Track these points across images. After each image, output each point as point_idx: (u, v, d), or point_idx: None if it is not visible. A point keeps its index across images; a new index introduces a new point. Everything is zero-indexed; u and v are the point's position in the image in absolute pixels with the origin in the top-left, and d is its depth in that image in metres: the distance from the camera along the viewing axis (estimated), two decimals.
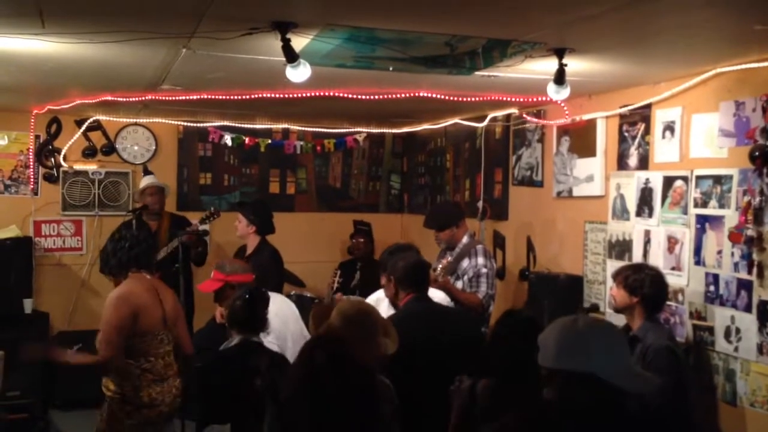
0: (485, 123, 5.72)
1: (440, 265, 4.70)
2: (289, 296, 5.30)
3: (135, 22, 2.95)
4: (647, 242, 4.17)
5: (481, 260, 4.62)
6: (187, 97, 4.87)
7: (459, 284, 4.62)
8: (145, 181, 6.08)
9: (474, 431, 2.64)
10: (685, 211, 3.90)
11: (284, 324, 3.97)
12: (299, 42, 3.07)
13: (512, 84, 4.16)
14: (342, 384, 2.16)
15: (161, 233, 5.86)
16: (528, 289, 4.93)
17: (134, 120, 6.51)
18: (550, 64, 3.42)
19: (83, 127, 6.34)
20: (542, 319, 3.35)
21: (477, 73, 3.80)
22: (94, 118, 6.34)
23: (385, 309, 4.16)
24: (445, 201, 6.38)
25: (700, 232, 3.80)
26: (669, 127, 4.04)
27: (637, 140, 4.28)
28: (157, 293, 3.65)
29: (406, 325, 3.30)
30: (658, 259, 4.03)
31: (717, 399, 3.68)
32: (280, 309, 3.98)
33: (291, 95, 4.62)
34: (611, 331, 2.15)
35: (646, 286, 3.42)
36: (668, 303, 3.74)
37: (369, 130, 6.87)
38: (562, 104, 4.74)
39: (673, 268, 3.93)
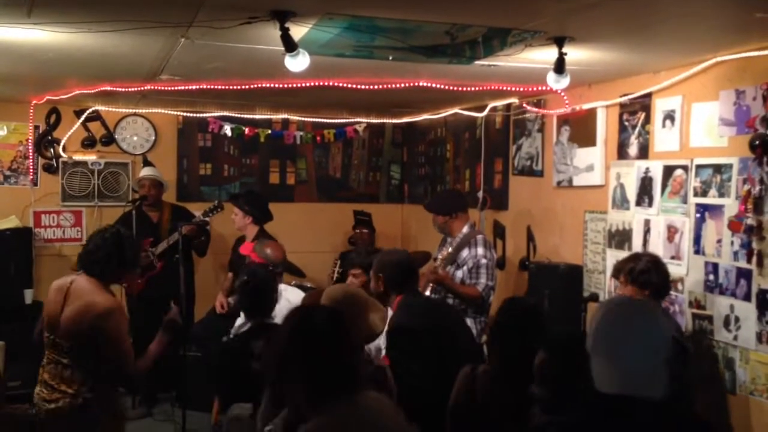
0: (485, 113, 5.71)
1: (440, 256, 4.71)
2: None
3: (133, 12, 2.94)
4: (647, 231, 4.17)
5: (480, 250, 4.62)
6: (187, 87, 4.86)
7: (459, 274, 4.62)
8: (142, 172, 6.08)
9: (473, 414, 2.65)
10: (684, 200, 3.90)
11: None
12: (298, 31, 3.06)
13: (512, 73, 4.15)
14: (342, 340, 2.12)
15: (162, 224, 5.86)
16: (528, 278, 4.93)
17: (133, 110, 6.50)
18: (549, 53, 3.41)
19: (82, 118, 6.32)
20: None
21: (477, 62, 3.78)
22: (93, 108, 6.32)
23: None
24: (453, 190, 6.28)
25: (699, 221, 3.80)
26: (669, 116, 4.03)
27: (637, 129, 4.28)
28: (66, 294, 3.29)
29: (413, 318, 3.39)
30: (657, 248, 4.03)
31: (721, 389, 3.68)
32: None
33: (290, 85, 4.62)
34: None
35: (653, 276, 3.43)
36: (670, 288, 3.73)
37: (369, 120, 6.86)
38: (562, 93, 4.72)
39: (672, 257, 3.93)
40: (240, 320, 3.59)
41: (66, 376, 3.28)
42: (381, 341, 3.44)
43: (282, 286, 3.77)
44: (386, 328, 3.32)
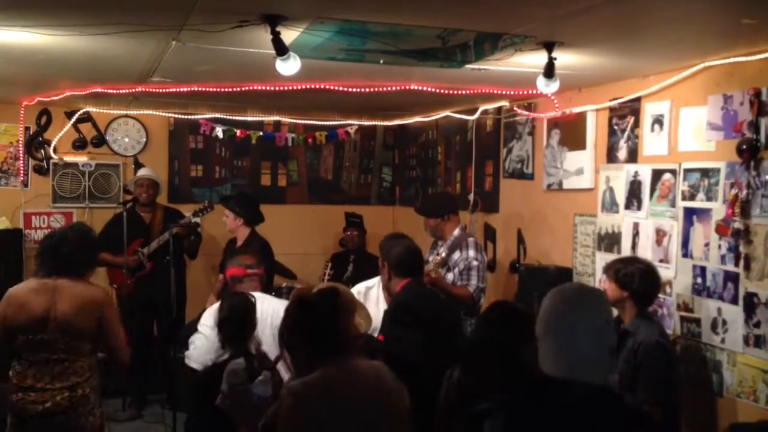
0: (476, 116, 5.74)
1: (431, 258, 4.73)
2: (280, 288, 5.31)
3: (125, 15, 2.94)
4: (636, 235, 4.20)
5: (472, 253, 4.64)
6: (178, 89, 4.86)
7: (450, 276, 4.64)
8: (138, 173, 6.08)
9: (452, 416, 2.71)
10: (673, 204, 3.93)
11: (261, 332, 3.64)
12: (289, 35, 3.07)
13: (503, 77, 4.17)
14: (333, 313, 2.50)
15: (154, 225, 5.86)
16: (518, 281, 4.95)
17: (125, 112, 6.50)
18: (539, 58, 3.43)
19: (73, 119, 6.32)
20: (532, 311, 3.44)
21: (467, 66, 3.80)
22: (85, 109, 6.32)
23: (374, 297, 4.22)
24: (444, 192, 6.34)
25: (687, 225, 3.83)
26: (658, 120, 4.06)
27: (626, 133, 4.30)
28: (54, 293, 3.36)
29: (412, 304, 3.50)
30: (646, 251, 4.06)
31: (708, 391, 3.71)
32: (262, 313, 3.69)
33: (282, 87, 4.62)
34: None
35: (636, 281, 3.42)
36: (657, 296, 3.75)
37: (360, 123, 6.88)
38: (553, 97, 4.75)
39: (661, 261, 3.95)
40: (218, 349, 3.51)
41: (61, 372, 3.36)
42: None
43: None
44: (386, 308, 3.61)
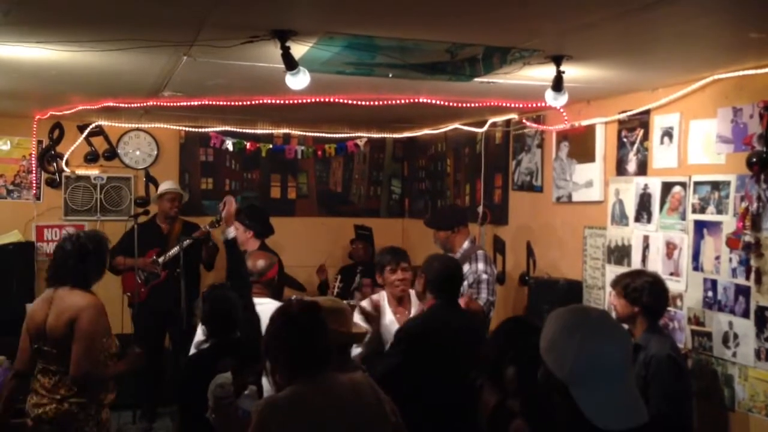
0: (485, 128, 5.74)
1: None
2: (289, 301, 5.32)
3: (136, 31, 2.97)
4: (646, 248, 4.18)
5: (481, 266, 4.63)
6: (189, 103, 4.90)
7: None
8: (164, 186, 6.12)
9: None
10: (683, 217, 3.92)
11: None
12: (299, 50, 3.09)
13: (511, 90, 4.18)
14: (314, 325, 2.51)
15: (171, 236, 5.91)
16: (528, 294, 4.94)
17: (136, 125, 6.54)
18: (548, 71, 3.44)
19: (85, 133, 6.36)
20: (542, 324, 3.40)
21: (476, 79, 3.82)
22: (96, 123, 6.37)
23: (384, 310, 4.22)
24: (452, 204, 6.35)
25: (698, 238, 3.81)
26: (667, 133, 4.05)
27: (635, 146, 4.30)
28: (50, 305, 3.40)
29: (427, 324, 3.50)
30: (656, 264, 4.04)
31: (720, 406, 3.68)
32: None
33: (291, 101, 4.65)
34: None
35: (645, 295, 3.40)
36: (667, 308, 3.74)
37: (369, 135, 6.91)
38: (562, 110, 4.75)
39: (671, 274, 3.94)
40: (200, 335, 3.56)
41: (54, 383, 3.38)
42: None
43: (258, 301, 3.75)
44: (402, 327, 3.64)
